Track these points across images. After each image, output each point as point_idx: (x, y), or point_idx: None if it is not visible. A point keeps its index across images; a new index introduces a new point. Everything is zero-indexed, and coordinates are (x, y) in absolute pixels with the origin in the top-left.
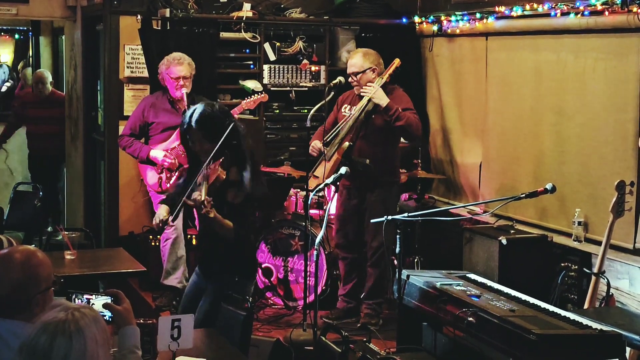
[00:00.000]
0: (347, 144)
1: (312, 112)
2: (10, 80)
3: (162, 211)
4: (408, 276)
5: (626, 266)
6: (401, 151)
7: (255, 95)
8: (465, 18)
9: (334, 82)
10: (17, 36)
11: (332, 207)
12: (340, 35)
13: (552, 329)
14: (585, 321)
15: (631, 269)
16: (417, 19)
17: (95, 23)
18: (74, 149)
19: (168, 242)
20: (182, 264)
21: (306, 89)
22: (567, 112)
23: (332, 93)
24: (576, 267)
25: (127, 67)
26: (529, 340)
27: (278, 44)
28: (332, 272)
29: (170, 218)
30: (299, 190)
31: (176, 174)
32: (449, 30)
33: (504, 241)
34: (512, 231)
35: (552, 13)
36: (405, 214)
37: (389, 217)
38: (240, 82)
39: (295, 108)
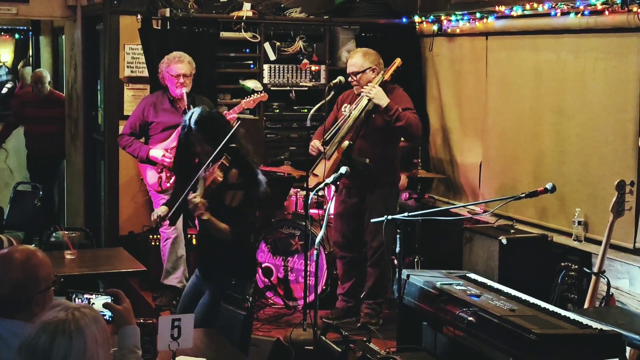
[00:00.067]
0: (347, 143)
1: (312, 111)
2: (10, 82)
3: (161, 208)
4: (408, 276)
5: (626, 266)
6: (401, 151)
7: (255, 94)
8: (465, 18)
9: (334, 81)
10: (17, 36)
11: (332, 207)
12: (340, 35)
13: (552, 329)
14: (585, 321)
15: (631, 269)
16: (417, 19)
17: (95, 23)
18: (74, 149)
19: (168, 241)
20: (182, 264)
21: (306, 88)
22: (567, 112)
23: (332, 93)
24: (576, 266)
25: (127, 67)
26: (529, 340)
27: (278, 43)
28: (332, 271)
29: (168, 223)
30: (299, 190)
31: None
32: (449, 30)
33: (504, 241)
34: (512, 231)
35: (552, 13)
36: (405, 214)
37: (389, 217)
38: (241, 81)
39: (295, 108)
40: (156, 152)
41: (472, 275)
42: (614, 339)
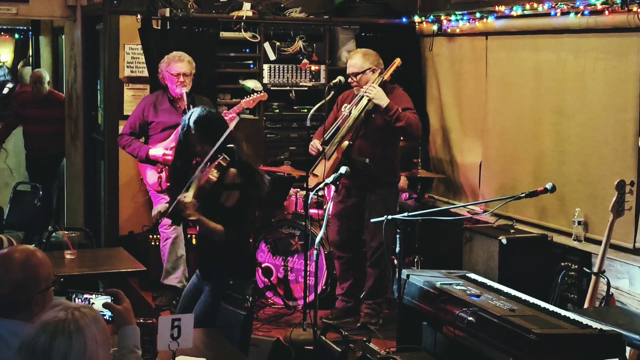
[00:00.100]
0: (346, 142)
1: (312, 111)
2: (11, 82)
3: (163, 205)
4: (408, 276)
5: (626, 266)
6: (401, 150)
7: (255, 94)
8: (465, 17)
9: (334, 81)
10: (17, 36)
11: (331, 207)
12: (340, 35)
13: (552, 329)
14: (585, 321)
15: (631, 269)
16: (417, 19)
17: (95, 23)
18: (74, 149)
19: (168, 241)
20: (182, 264)
21: (306, 88)
22: (567, 112)
23: (332, 92)
24: (576, 266)
25: (127, 67)
26: (529, 340)
27: (278, 43)
28: (332, 271)
29: (170, 221)
30: (298, 189)
31: None
32: (448, 30)
33: (504, 241)
34: (512, 231)
35: (552, 12)
36: (405, 214)
37: (389, 217)
38: (240, 81)
39: (295, 108)
40: (156, 150)
41: (472, 275)
42: (613, 339)
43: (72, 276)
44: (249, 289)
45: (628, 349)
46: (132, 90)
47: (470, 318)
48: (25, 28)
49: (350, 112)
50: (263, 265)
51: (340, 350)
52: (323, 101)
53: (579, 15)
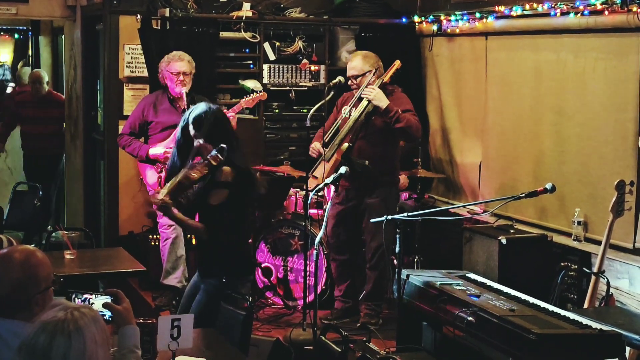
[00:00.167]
0: (346, 145)
1: (311, 111)
2: (13, 82)
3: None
4: (408, 276)
5: (626, 266)
6: (401, 150)
7: (254, 93)
8: (465, 18)
9: (334, 81)
10: (16, 36)
11: (330, 208)
12: (340, 35)
13: (552, 329)
14: (585, 321)
15: (631, 269)
16: (416, 19)
17: (95, 23)
18: (74, 149)
19: (168, 241)
20: (181, 264)
21: (306, 88)
22: (567, 111)
23: (332, 92)
24: (576, 266)
25: (127, 67)
26: (528, 340)
27: (278, 43)
28: (331, 271)
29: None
30: (298, 190)
31: None
32: (448, 30)
33: (504, 241)
34: (511, 231)
35: (552, 13)
36: (405, 214)
37: (389, 217)
38: (240, 81)
39: (294, 108)
40: (157, 150)
41: (472, 275)
42: (613, 339)
43: (72, 276)
44: (244, 288)
45: (628, 349)
46: (132, 90)
47: (470, 318)
48: (25, 28)
49: (350, 114)
50: (263, 265)
51: (340, 350)
52: (323, 101)
53: (579, 15)
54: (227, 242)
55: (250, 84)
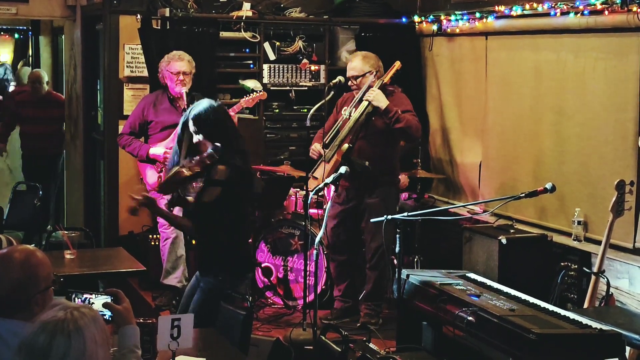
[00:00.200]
0: (346, 145)
1: (311, 111)
2: (15, 81)
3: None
4: (408, 275)
5: (626, 265)
6: (401, 150)
7: (254, 93)
8: (465, 17)
9: (334, 81)
10: (16, 36)
11: (330, 208)
12: (340, 35)
13: (552, 329)
14: (585, 320)
15: (631, 269)
16: (416, 19)
17: (95, 22)
18: (74, 149)
19: (168, 241)
20: (181, 264)
21: (306, 88)
22: (567, 111)
23: (332, 92)
24: (576, 266)
25: (127, 67)
26: (528, 340)
27: (278, 43)
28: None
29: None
30: (298, 189)
31: None
32: (448, 30)
33: (504, 241)
34: (511, 231)
35: (552, 12)
36: (405, 214)
37: (389, 217)
38: (240, 81)
39: (295, 107)
40: (157, 149)
41: (472, 275)
42: (613, 339)
43: (72, 276)
44: (242, 287)
45: (628, 348)
46: (132, 90)
47: (470, 318)
48: (25, 28)
49: (350, 115)
50: (263, 265)
51: (340, 350)
52: (323, 101)
53: (579, 15)
54: (227, 241)
55: (250, 83)
